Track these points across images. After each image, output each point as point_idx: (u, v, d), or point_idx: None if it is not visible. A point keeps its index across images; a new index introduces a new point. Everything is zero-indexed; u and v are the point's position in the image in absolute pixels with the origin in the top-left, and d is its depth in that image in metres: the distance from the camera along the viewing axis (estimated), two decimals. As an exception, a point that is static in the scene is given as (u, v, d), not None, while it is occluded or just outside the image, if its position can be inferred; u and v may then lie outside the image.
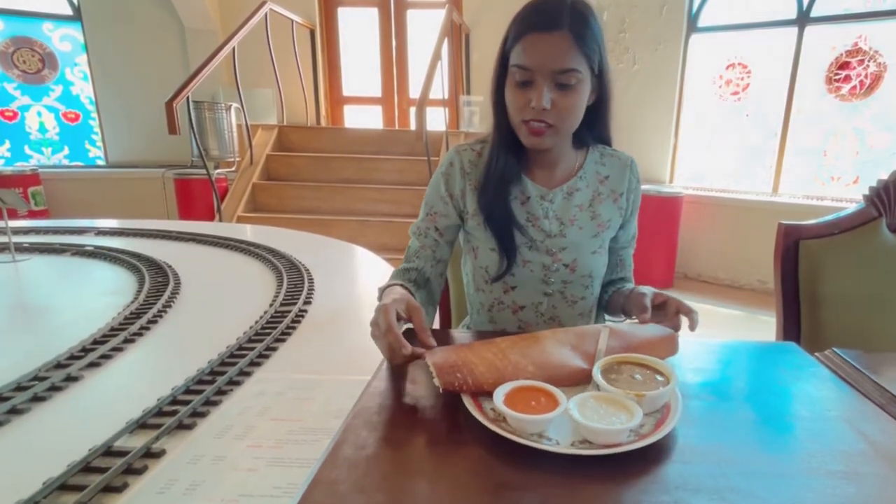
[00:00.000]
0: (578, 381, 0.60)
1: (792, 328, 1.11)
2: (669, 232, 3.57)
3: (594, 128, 0.85)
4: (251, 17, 3.46)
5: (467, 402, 0.54)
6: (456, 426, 0.52)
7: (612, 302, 0.92)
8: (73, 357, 0.79)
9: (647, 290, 0.77)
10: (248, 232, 1.84)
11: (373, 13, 4.57)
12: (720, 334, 2.91)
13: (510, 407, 0.50)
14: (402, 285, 0.79)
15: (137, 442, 0.57)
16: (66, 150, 4.59)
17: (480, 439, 0.50)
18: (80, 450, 0.56)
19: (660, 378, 0.57)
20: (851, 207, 1.03)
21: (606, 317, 0.99)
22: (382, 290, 0.80)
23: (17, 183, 3.83)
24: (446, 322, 1.33)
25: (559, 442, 0.49)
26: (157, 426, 0.60)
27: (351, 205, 3.65)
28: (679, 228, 3.68)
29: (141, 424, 0.61)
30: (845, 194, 3.47)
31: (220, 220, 3.45)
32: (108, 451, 0.56)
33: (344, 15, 4.60)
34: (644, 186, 0.91)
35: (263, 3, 3.59)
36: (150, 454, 0.56)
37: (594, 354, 0.62)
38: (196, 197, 3.94)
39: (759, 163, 3.74)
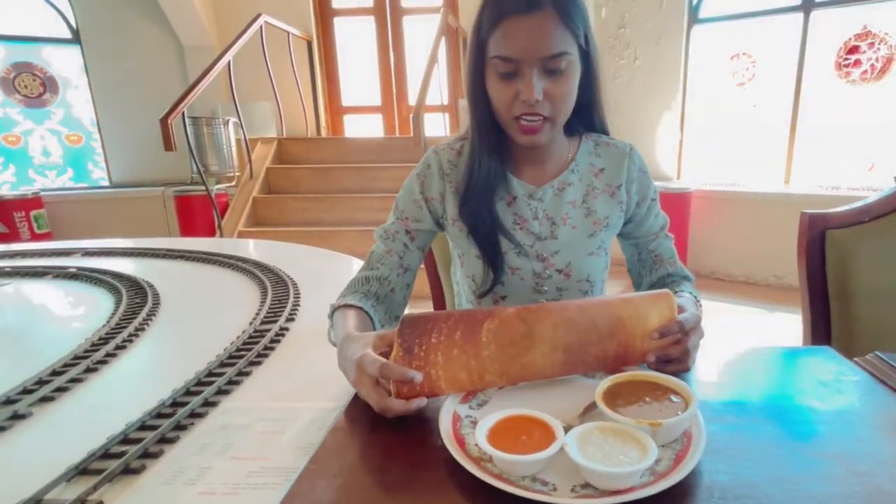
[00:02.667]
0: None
1: (821, 328, 1.01)
2: (679, 229, 3.46)
3: (584, 113, 0.75)
4: (245, 31, 3.44)
5: (447, 439, 0.46)
6: (433, 469, 0.44)
7: None
8: (25, 391, 0.72)
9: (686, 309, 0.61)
10: (239, 247, 1.78)
11: (369, 21, 4.55)
12: (739, 333, 2.79)
13: (495, 443, 0.42)
14: (358, 307, 0.71)
15: (73, 492, 0.50)
16: (70, 173, 4.62)
17: (462, 484, 0.42)
18: (6, 505, 0.48)
19: (675, 399, 0.48)
20: (882, 191, 0.93)
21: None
22: (334, 311, 0.71)
23: (20, 207, 3.84)
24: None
25: (556, 487, 0.40)
26: (101, 471, 0.53)
27: (353, 215, 3.61)
28: (689, 225, 3.57)
29: (82, 470, 0.54)
30: (862, 182, 3.34)
31: (221, 235, 3.41)
32: (36, 505, 0.49)
33: (340, 24, 4.58)
34: (652, 182, 0.83)
35: (258, 16, 3.57)
36: (84, 508, 0.48)
37: (591, 365, 0.53)
38: (197, 213, 3.93)
39: (769, 154, 3.62)
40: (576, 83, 0.69)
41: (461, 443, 0.46)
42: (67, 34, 4.32)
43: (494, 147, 0.74)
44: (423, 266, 1.17)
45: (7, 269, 1.44)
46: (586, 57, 0.70)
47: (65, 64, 4.38)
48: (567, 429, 0.43)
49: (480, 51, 0.69)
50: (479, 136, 0.74)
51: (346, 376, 0.59)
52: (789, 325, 2.81)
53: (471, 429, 0.48)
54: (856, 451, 0.45)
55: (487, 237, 0.75)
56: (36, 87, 4.35)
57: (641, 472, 0.40)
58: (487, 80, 0.70)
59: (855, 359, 0.64)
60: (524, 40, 0.64)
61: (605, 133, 0.82)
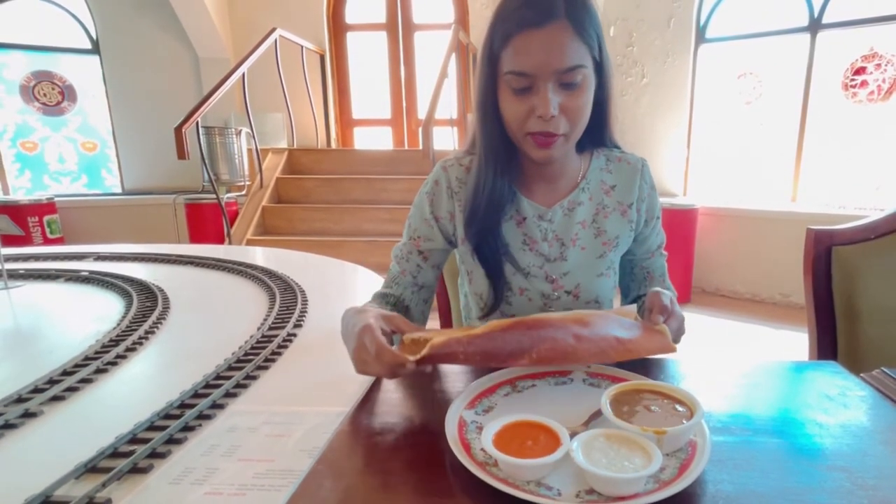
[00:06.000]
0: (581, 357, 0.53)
1: (827, 345, 1.01)
2: (685, 246, 3.45)
3: (594, 130, 0.74)
4: (260, 44, 3.52)
5: (453, 443, 0.46)
6: (439, 473, 0.45)
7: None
8: (36, 390, 0.74)
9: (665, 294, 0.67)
10: (249, 254, 1.80)
11: (381, 36, 4.64)
12: (744, 351, 2.76)
13: (501, 448, 0.42)
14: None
15: (82, 489, 0.51)
16: (85, 179, 4.69)
17: (467, 488, 0.42)
18: (15, 501, 0.49)
19: (681, 408, 0.48)
20: (889, 209, 0.93)
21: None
22: None
23: (34, 212, 3.90)
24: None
25: (561, 492, 0.40)
26: (109, 470, 0.54)
27: (360, 225, 3.63)
28: (695, 242, 3.56)
29: (91, 468, 0.55)
30: (868, 202, 3.33)
31: (230, 243, 3.45)
32: (46, 501, 0.49)
33: (353, 39, 4.67)
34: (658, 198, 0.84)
35: (273, 30, 3.65)
36: (93, 505, 0.49)
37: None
38: (207, 221, 3.97)
39: (776, 172, 3.62)
40: (591, 97, 0.68)
41: (467, 447, 0.46)
42: (87, 44, 4.44)
43: (504, 166, 0.72)
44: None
45: (21, 272, 1.46)
46: (599, 70, 0.69)
47: (84, 73, 4.49)
48: (572, 435, 0.44)
49: (492, 67, 0.68)
50: (487, 156, 0.72)
51: (346, 344, 0.62)
52: (795, 344, 2.78)
53: (476, 434, 0.48)
54: (862, 465, 0.45)
55: (492, 259, 0.74)
56: (55, 96, 4.45)
57: (646, 479, 0.40)
58: (500, 96, 0.68)
59: (861, 374, 0.63)
60: (538, 54, 0.63)
61: (615, 146, 0.82)
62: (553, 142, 0.67)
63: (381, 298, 0.78)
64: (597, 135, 0.78)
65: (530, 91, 0.65)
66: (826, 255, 0.95)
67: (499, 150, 0.72)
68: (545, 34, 0.63)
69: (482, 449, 0.45)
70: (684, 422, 0.45)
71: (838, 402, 0.57)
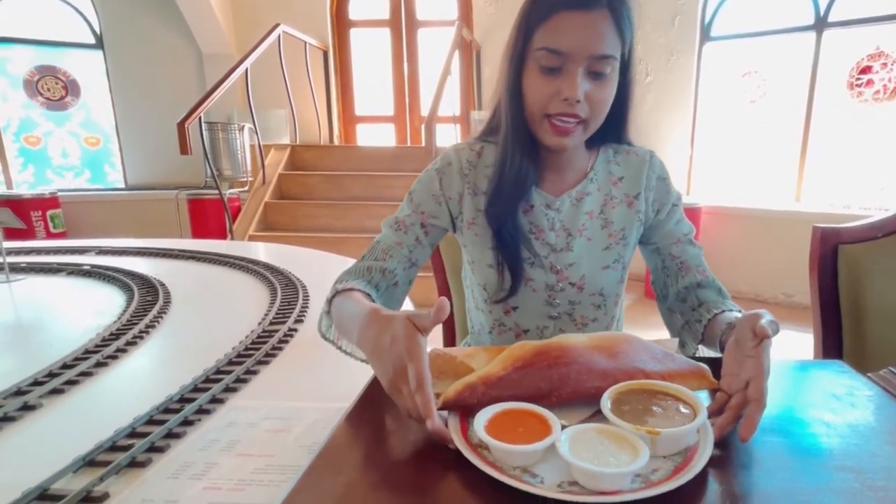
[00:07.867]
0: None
1: (832, 344, 1.00)
2: (690, 245, 3.43)
3: (610, 128, 0.73)
4: (263, 39, 3.51)
5: (453, 429, 0.46)
6: (441, 467, 0.44)
7: (709, 333, 0.68)
8: (35, 383, 0.73)
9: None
10: (251, 249, 1.80)
11: (384, 33, 4.62)
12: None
13: (493, 433, 0.42)
14: (366, 293, 0.67)
15: (79, 483, 0.50)
16: (87, 174, 4.70)
17: (468, 483, 0.41)
18: (13, 493, 0.49)
19: (685, 410, 0.47)
20: (897, 209, 0.92)
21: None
22: (334, 296, 0.67)
23: (37, 206, 3.91)
24: (451, 339, 1.24)
25: (544, 480, 0.40)
26: (107, 463, 0.53)
27: (362, 222, 3.63)
28: (698, 241, 3.54)
29: (89, 462, 0.54)
30: (873, 202, 3.31)
31: (232, 239, 3.44)
32: (43, 494, 0.49)
33: (356, 35, 4.66)
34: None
35: (276, 26, 3.64)
36: (90, 499, 0.48)
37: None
38: (209, 217, 3.97)
39: (780, 171, 3.60)
40: (614, 92, 0.68)
41: (464, 431, 0.46)
42: (91, 39, 4.43)
43: (528, 146, 0.71)
44: (431, 274, 1.17)
45: (22, 265, 1.46)
46: (625, 70, 0.69)
47: (87, 68, 4.49)
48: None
49: (524, 42, 0.67)
50: (513, 132, 0.71)
51: (378, 354, 0.50)
52: (799, 344, 2.76)
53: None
54: (871, 466, 0.44)
55: (512, 241, 0.73)
56: (58, 90, 4.45)
57: (629, 476, 0.39)
58: (525, 73, 0.68)
59: (868, 374, 0.63)
60: (576, 35, 0.63)
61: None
62: (571, 130, 0.67)
63: (366, 273, 0.73)
64: (611, 136, 0.78)
65: (559, 72, 0.65)
66: (832, 253, 0.94)
67: (524, 129, 0.71)
68: (588, 18, 0.63)
69: (474, 430, 0.44)
70: (684, 425, 0.44)
71: (845, 402, 0.56)
